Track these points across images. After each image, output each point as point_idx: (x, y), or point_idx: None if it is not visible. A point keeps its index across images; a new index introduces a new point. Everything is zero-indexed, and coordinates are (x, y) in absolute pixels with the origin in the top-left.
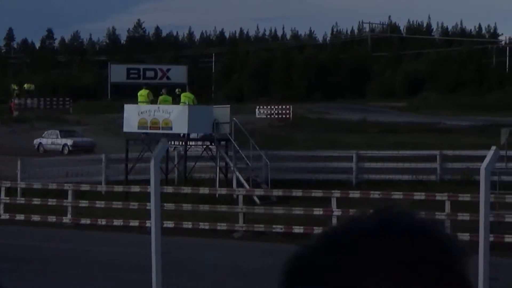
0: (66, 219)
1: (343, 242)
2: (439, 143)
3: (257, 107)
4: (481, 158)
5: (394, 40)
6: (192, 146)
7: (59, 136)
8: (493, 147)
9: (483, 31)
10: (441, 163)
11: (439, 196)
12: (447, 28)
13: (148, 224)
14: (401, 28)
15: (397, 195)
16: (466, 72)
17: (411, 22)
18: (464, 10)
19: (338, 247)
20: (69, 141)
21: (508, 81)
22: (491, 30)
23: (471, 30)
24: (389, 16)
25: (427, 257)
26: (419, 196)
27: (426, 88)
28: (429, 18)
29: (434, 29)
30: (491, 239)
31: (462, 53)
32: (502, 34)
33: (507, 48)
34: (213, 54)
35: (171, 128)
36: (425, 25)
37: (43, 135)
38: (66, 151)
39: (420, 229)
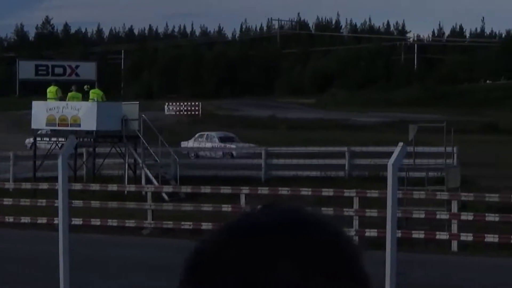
0: None
1: (244, 237)
2: (347, 139)
3: (166, 103)
4: (389, 154)
5: (303, 37)
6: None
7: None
8: (400, 143)
9: (392, 28)
10: (350, 159)
11: (347, 192)
12: (355, 25)
13: (56, 221)
14: (310, 25)
15: (306, 191)
16: (375, 69)
17: (320, 19)
18: (372, 7)
19: (239, 242)
20: None
21: (416, 78)
22: (400, 27)
23: (379, 27)
24: (298, 13)
25: (326, 253)
26: (327, 192)
27: (335, 85)
28: (338, 15)
29: (343, 26)
30: (399, 235)
31: (370, 50)
32: (410, 31)
33: (415, 45)
34: (122, 51)
35: (79, 125)
36: (334, 22)
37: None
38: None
39: (317, 226)
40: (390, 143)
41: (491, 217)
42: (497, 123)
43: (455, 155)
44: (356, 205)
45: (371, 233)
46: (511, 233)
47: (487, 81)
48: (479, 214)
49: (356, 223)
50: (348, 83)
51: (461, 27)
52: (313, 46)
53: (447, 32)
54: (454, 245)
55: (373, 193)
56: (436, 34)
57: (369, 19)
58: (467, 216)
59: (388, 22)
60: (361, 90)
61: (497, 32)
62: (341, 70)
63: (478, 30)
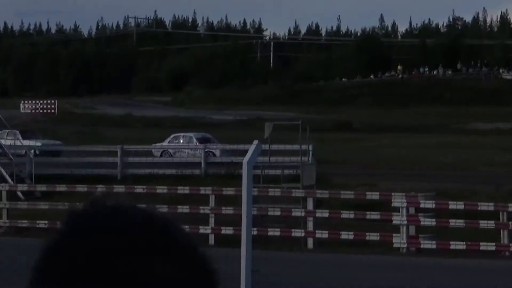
0: None
1: (93, 235)
2: None
3: (22, 101)
4: (245, 152)
5: (160, 35)
6: None
7: (20, 138)
8: (255, 141)
9: (248, 26)
10: (205, 157)
11: (203, 190)
12: (212, 23)
13: None
14: (167, 23)
15: (161, 189)
16: (231, 67)
17: (176, 17)
18: (229, 6)
19: (88, 240)
20: (36, 143)
21: (272, 76)
22: (256, 26)
23: (236, 25)
24: (155, 11)
25: (187, 251)
26: (183, 190)
27: (191, 83)
28: (195, 13)
29: (200, 24)
30: (254, 232)
31: (227, 48)
32: (267, 29)
33: (272, 43)
34: None
35: None
36: (190, 20)
37: None
38: (31, 155)
39: (172, 224)
40: (246, 141)
41: (346, 214)
42: (352, 121)
43: (310, 152)
44: (212, 203)
45: (227, 230)
46: (366, 230)
47: (343, 79)
48: (334, 211)
49: (212, 220)
50: (205, 81)
51: (317, 26)
52: (170, 44)
53: (303, 30)
54: (310, 243)
55: (229, 191)
56: (292, 33)
57: (226, 17)
58: (322, 213)
59: (244, 20)
60: (218, 88)
61: (352, 31)
62: (198, 68)
63: (334, 28)
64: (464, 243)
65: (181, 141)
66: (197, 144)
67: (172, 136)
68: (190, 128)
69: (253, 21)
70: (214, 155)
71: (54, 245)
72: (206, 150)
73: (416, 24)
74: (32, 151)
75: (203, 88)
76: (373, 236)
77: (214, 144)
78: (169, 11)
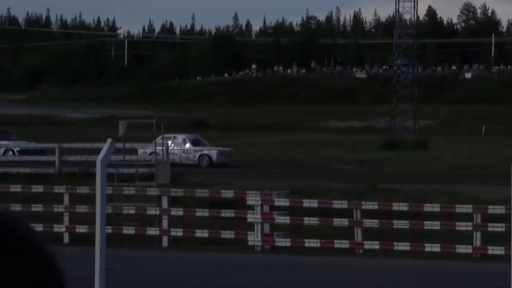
0: None
1: None
2: (58, 135)
3: None
4: (99, 151)
5: (13, 33)
6: None
7: None
8: (109, 140)
9: (102, 24)
10: (60, 156)
11: (57, 189)
12: (66, 21)
13: None
14: (20, 20)
15: (15, 188)
16: (85, 65)
17: (30, 14)
18: (83, 3)
19: None
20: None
21: (126, 74)
22: (110, 24)
23: (90, 23)
24: (8, 8)
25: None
26: (37, 189)
27: (46, 81)
28: (48, 10)
29: (54, 22)
30: (109, 231)
31: (81, 46)
32: (121, 27)
33: (126, 41)
34: None
35: None
36: (44, 17)
37: None
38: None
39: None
40: (101, 140)
41: (201, 212)
42: (207, 120)
43: (165, 151)
44: (66, 201)
45: (81, 229)
46: (220, 228)
47: (198, 78)
48: (189, 210)
49: (66, 219)
50: (59, 79)
51: (171, 24)
52: (24, 41)
53: (157, 28)
54: (165, 241)
55: (83, 190)
56: (146, 31)
57: (80, 15)
58: (177, 212)
59: (98, 18)
60: (72, 86)
61: (207, 29)
62: (52, 66)
63: (188, 27)
64: (318, 241)
65: (172, 142)
66: (191, 145)
67: (161, 137)
68: (43, 126)
69: (107, 19)
70: (209, 157)
71: None
72: (200, 153)
73: (270, 23)
74: (11, 152)
75: (57, 86)
76: (227, 234)
77: (206, 145)
78: (22, 8)
